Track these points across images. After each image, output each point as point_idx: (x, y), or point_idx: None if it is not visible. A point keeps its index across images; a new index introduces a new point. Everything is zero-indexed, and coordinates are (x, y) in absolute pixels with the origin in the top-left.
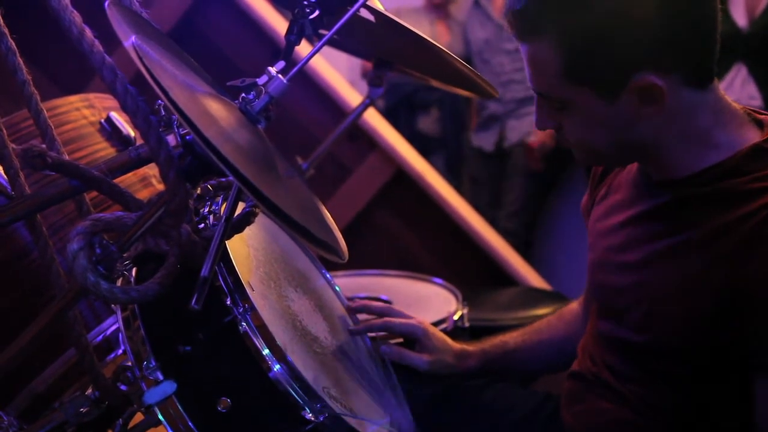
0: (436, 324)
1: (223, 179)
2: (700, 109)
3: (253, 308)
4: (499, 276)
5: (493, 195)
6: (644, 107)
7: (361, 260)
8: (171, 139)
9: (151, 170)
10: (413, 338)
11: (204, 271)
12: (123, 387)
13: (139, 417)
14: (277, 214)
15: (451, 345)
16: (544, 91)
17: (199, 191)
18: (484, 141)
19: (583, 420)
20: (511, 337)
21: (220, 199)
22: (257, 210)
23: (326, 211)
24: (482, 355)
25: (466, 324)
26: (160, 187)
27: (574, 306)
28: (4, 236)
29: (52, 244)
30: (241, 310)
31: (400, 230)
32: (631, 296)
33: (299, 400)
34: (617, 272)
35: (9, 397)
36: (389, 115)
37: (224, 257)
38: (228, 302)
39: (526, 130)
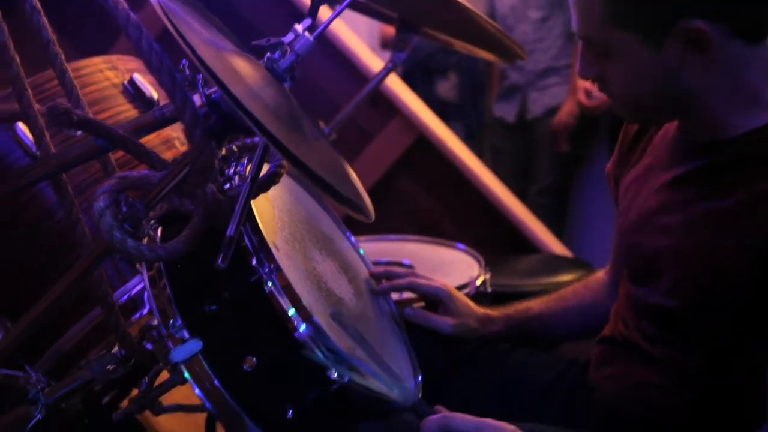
0: (458, 289)
1: (248, 140)
2: (750, 64)
3: (278, 268)
4: (521, 243)
5: (516, 166)
6: (690, 56)
7: (382, 227)
8: (196, 99)
9: (175, 132)
10: (437, 300)
11: (230, 231)
12: (149, 346)
13: (164, 376)
14: (304, 171)
15: (474, 309)
16: (588, 36)
17: (224, 152)
18: (506, 111)
19: (612, 383)
20: (535, 303)
21: (245, 161)
22: (283, 170)
23: (352, 171)
24: (506, 320)
25: (489, 289)
26: (183, 149)
27: (601, 274)
28: (30, 197)
29: (77, 204)
30: (266, 270)
31: (422, 197)
32: (666, 260)
33: (325, 360)
34: (652, 236)
35: (36, 355)
36: (405, 80)
37: (250, 217)
38: (254, 262)
39: (549, 103)
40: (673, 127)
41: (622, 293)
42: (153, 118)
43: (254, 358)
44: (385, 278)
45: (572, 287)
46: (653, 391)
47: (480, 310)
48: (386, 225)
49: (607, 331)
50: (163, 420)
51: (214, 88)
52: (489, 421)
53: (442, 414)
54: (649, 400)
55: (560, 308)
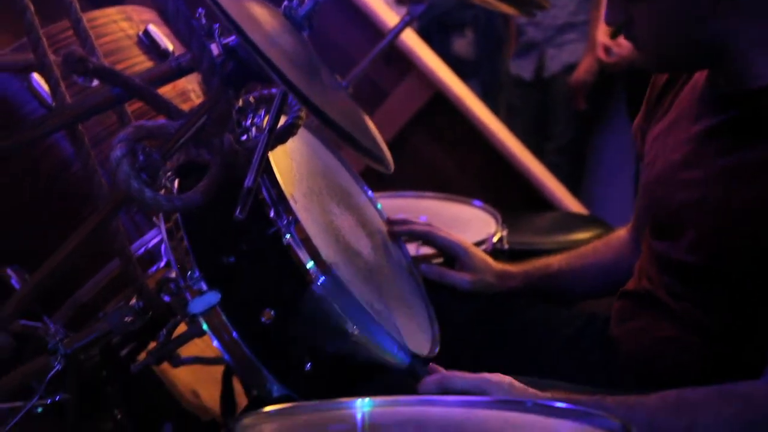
0: (475, 245)
1: (265, 92)
2: None
3: (296, 221)
4: (538, 201)
5: (532, 124)
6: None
7: (397, 185)
8: (213, 48)
9: (190, 84)
10: (454, 255)
11: (248, 182)
12: (166, 298)
13: (182, 329)
14: (323, 119)
15: (492, 265)
16: None
17: (240, 104)
18: (523, 69)
19: (632, 338)
20: (554, 260)
21: (262, 112)
22: (301, 121)
23: (371, 123)
24: (524, 276)
25: (505, 247)
26: (199, 102)
27: (622, 232)
28: (46, 148)
29: (93, 155)
30: (284, 223)
31: (437, 155)
32: (690, 215)
33: (343, 313)
34: (676, 190)
35: (55, 307)
36: (421, 38)
37: (267, 169)
38: (272, 214)
39: (566, 59)
40: (702, 78)
41: (645, 248)
42: (169, 68)
43: (272, 311)
44: (402, 228)
45: (592, 245)
46: (674, 347)
47: (498, 265)
48: (401, 183)
49: (630, 285)
50: (180, 373)
51: (232, 37)
52: (488, 375)
53: (440, 374)
54: (670, 356)
55: (580, 265)
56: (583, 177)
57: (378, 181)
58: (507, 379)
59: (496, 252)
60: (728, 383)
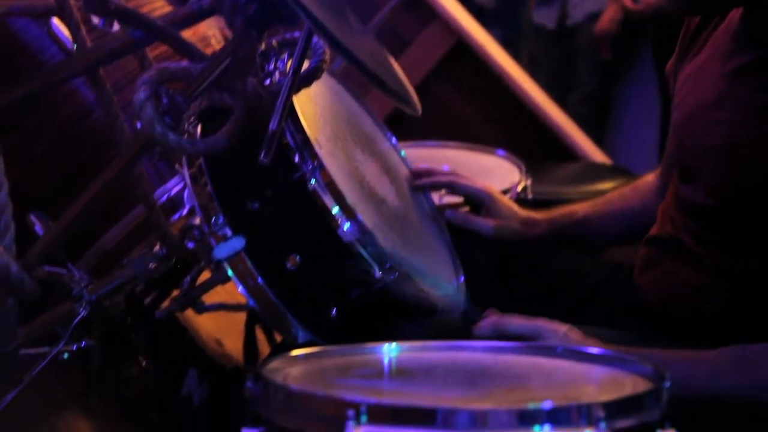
0: None
1: (288, 35)
2: None
3: (321, 166)
4: (561, 151)
5: (555, 74)
6: None
7: (419, 135)
8: None
9: (211, 30)
10: (478, 202)
11: (272, 125)
12: (190, 244)
13: (205, 277)
14: (350, 59)
15: (517, 211)
16: None
17: (263, 47)
18: (546, 17)
19: (657, 285)
20: (580, 207)
21: (285, 57)
22: (325, 64)
23: (397, 65)
24: (549, 223)
25: (530, 196)
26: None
27: (650, 177)
28: (66, 94)
29: (116, 101)
30: (309, 167)
31: (459, 104)
32: (719, 155)
33: (369, 258)
34: (706, 130)
35: (78, 254)
36: None
37: (292, 113)
38: (296, 159)
39: (591, 8)
40: (737, 15)
41: (671, 192)
42: (191, 10)
43: (297, 257)
44: (426, 177)
45: (619, 191)
46: (700, 293)
47: (523, 212)
48: (423, 133)
49: (654, 231)
50: (204, 323)
51: None
52: (544, 321)
53: (496, 317)
54: (695, 303)
55: (606, 212)
56: (607, 127)
57: (399, 131)
58: (564, 327)
59: (520, 202)
60: None
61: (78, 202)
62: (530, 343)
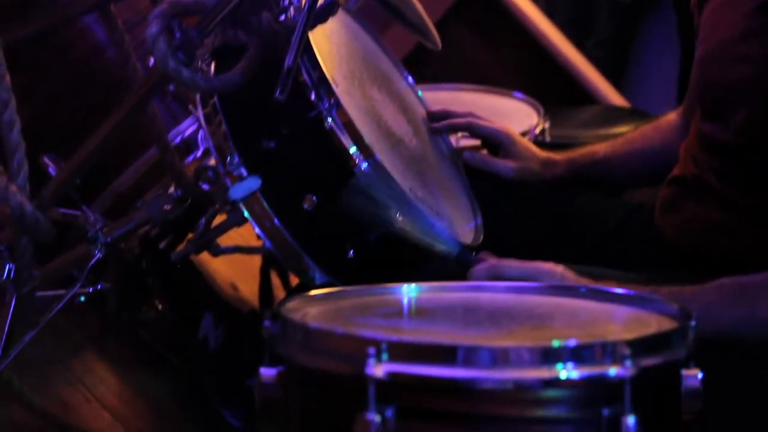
0: None
1: None
2: None
3: (338, 104)
4: (579, 95)
5: (572, 17)
6: None
7: (435, 79)
8: None
9: None
10: (497, 143)
11: (288, 61)
12: (205, 186)
13: (219, 220)
14: None
15: (536, 152)
16: None
17: None
18: None
19: (679, 225)
20: (600, 147)
21: None
22: None
23: (416, 1)
24: (569, 164)
25: (548, 139)
26: None
27: (672, 116)
28: (77, 32)
29: (128, 39)
30: (326, 106)
31: (476, 46)
32: (742, 92)
33: (386, 198)
34: (731, 65)
35: (93, 197)
36: None
37: (307, 50)
38: (312, 97)
39: None
40: None
41: (693, 131)
42: None
43: (314, 197)
44: (444, 118)
45: (640, 130)
46: (722, 233)
47: (542, 153)
48: (439, 77)
49: (677, 171)
50: (219, 267)
51: None
52: (539, 264)
53: (491, 262)
54: (717, 242)
55: (627, 152)
56: (625, 70)
57: (415, 74)
58: (559, 267)
59: (538, 145)
60: None
61: (91, 141)
62: (553, 282)
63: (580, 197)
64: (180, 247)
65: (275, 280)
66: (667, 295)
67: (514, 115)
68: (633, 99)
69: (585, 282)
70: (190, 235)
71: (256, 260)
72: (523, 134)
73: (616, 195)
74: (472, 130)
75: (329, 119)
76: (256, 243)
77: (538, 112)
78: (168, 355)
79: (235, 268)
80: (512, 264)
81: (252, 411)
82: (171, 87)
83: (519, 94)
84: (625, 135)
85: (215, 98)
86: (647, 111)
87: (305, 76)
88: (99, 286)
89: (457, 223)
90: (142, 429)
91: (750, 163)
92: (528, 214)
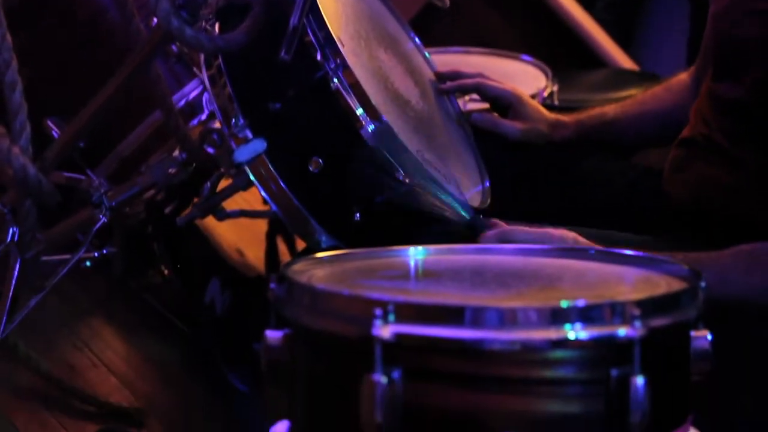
0: None
1: None
2: None
3: (345, 65)
4: (588, 58)
5: None
6: None
7: (442, 42)
8: None
9: None
10: (505, 105)
11: (293, 20)
12: (210, 149)
13: (224, 184)
14: None
15: (545, 114)
16: None
17: None
18: None
19: (689, 186)
20: (610, 109)
21: None
22: None
23: None
24: (577, 125)
25: (556, 102)
26: None
27: (683, 77)
28: None
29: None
30: (332, 66)
31: (483, 9)
32: (755, 50)
33: (393, 160)
34: (744, 22)
35: (97, 161)
36: None
37: (313, 9)
38: (318, 57)
39: None
40: None
41: (704, 91)
42: None
43: (320, 159)
44: (453, 79)
45: (651, 91)
46: (732, 194)
47: (550, 115)
48: (446, 41)
49: (687, 132)
50: (225, 232)
51: None
52: (549, 230)
53: (501, 228)
54: (727, 203)
55: (637, 113)
56: (634, 33)
57: (423, 37)
58: (571, 234)
59: (546, 108)
60: None
61: (94, 102)
62: (562, 245)
63: (588, 159)
64: (185, 212)
65: (281, 246)
66: (682, 261)
67: (522, 78)
68: (642, 62)
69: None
70: (195, 200)
71: (262, 226)
72: (532, 97)
73: (624, 157)
74: (481, 91)
75: (335, 80)
76: (262, 209)
77: (547, 75)
78: (174, 320)
79: (241, 234)
80: (523, 230)
81: (258, 375)
82: (175, 48)
83: (527, 57)
84: (635, 96)
85: (220, 59)
86: (656, 74)
87: (311, 36)
88: (105, 251)
89: (464, 186)
90: (149, 393)
91: (761, 123)
92: (534, 177)
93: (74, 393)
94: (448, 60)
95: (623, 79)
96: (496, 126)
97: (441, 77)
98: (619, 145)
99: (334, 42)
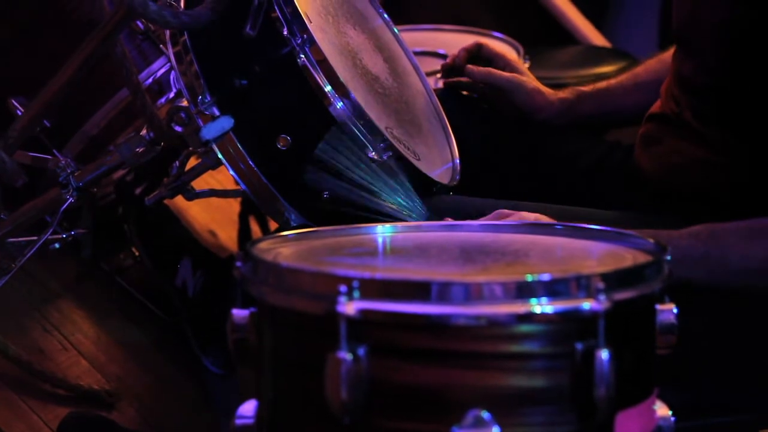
0: None
1: None
2: None
3: (312, 41)
4: (560, 35)
5: None
6: None
7: (412, 19)
8: None
9: None
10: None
11: None
12: (178, 128)
13: (193, 163)
14: None
15: (551, 100)
16: None
17: None
18: None
19: (659, 161)
20: (602, 83)
21: None
22: None
23: None
24: (578, 94)
25: None
26: None
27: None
28: None
29: None
30: (299, 41)
31: None
32: (720, 33)
33: (362, 138)
34: (708, 6)
35: (64, 141)
36: None
37: None
38: (285, 32)
39: None
40: None
41: (672, 69)
42: None
43: (288, 137)
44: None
45: (643, 64)
46: (699, 169)
47: (554, 97)
48: (416, 17)
49: (657, 108)
50: (197, 214)
51: None
52: (526, 214)
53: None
54: (696, 178)
55: (632, 84)
56: (606, 10)
57: (392, 14)
58: (544, 218)
59: None
60: (759, 218)
61: (57, 79)
62: (529, 221)
63: (556, 135)
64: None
65: (254, 226)
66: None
67: None
68: (614, 39)
69: None
70: (165, 180)
71: (235, 207)
72: None
73: (595, 134)
74: (491, 83)
75: (302, 56)
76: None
77: (518, 52)
78: (146, 302)
79: (213, 215)
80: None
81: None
82: (141, 25)
83: (498, 34)
84: (629, 71)
85: (185, 36)
86: (629, 52)
87: (277, 11)
88: (73, 233)
89: (434, 163)
90: (120, 376)
91: (725, 104)
92: (505, 153)
93: (44, 376)
94: (419, 37)
95: (595, 56)
96: (491, 76)
97: (446, 68)
98: (614, 115)
99: (301, 17)
